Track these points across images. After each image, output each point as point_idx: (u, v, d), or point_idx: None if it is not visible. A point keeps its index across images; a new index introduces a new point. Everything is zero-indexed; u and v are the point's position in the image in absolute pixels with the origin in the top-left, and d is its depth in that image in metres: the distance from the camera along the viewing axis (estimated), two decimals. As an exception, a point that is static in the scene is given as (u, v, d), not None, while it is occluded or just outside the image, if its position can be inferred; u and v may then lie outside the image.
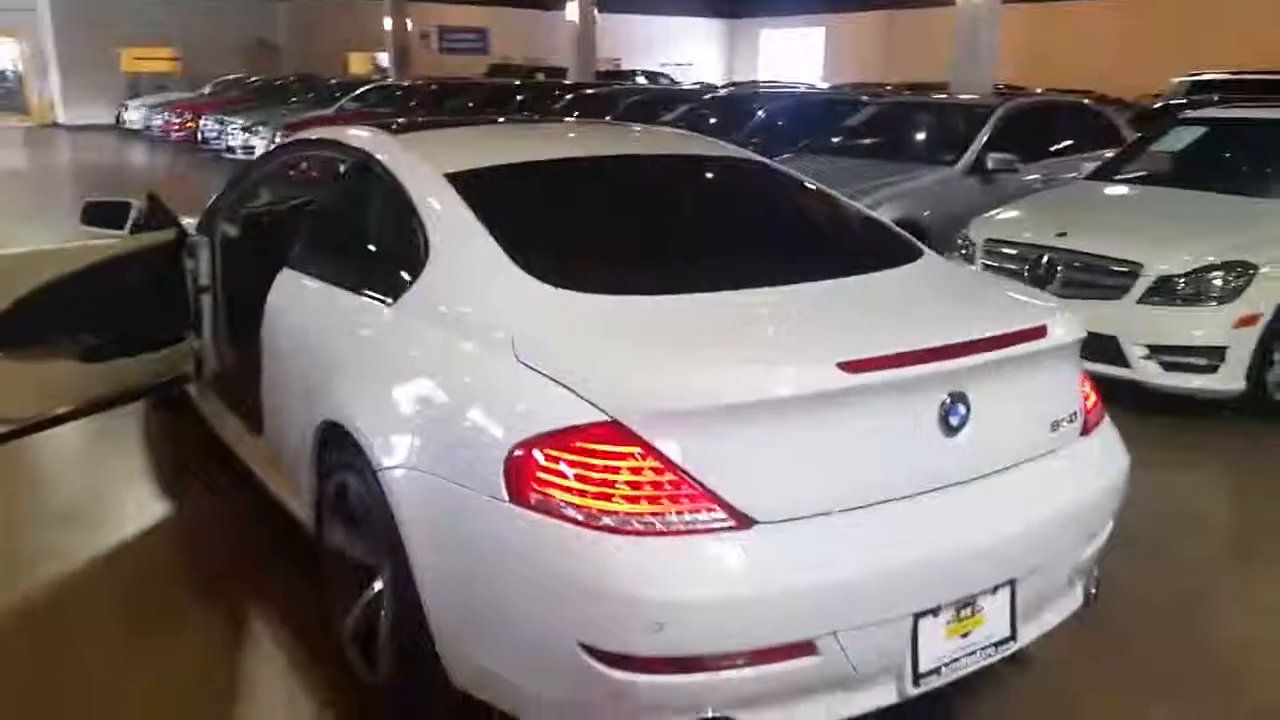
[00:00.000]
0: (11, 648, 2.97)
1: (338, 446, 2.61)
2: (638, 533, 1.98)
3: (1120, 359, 4.97)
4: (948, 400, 2.22)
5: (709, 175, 3.23)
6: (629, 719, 2.07)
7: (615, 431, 2.01)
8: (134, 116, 22.87)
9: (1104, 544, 2.65)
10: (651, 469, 2.00)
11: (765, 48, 35.12)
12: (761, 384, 2.06)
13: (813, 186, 3.31)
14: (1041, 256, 5.35)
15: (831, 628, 2.06)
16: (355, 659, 2.66)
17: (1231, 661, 3.00)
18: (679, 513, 1.99)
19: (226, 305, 4.04)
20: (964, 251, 5.85)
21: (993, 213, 5.97)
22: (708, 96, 12.14)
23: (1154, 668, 2.95)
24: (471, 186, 2.75)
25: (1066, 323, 2.53)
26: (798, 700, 2.13)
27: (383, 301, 2.69)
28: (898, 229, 3.13)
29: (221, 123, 17.16)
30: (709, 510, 2.00)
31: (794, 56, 32.99)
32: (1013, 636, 2.36)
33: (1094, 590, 2.66)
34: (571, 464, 2.01)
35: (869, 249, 2.93)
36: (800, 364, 2.11)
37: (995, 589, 2.31)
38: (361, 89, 17.10)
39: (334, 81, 19.69)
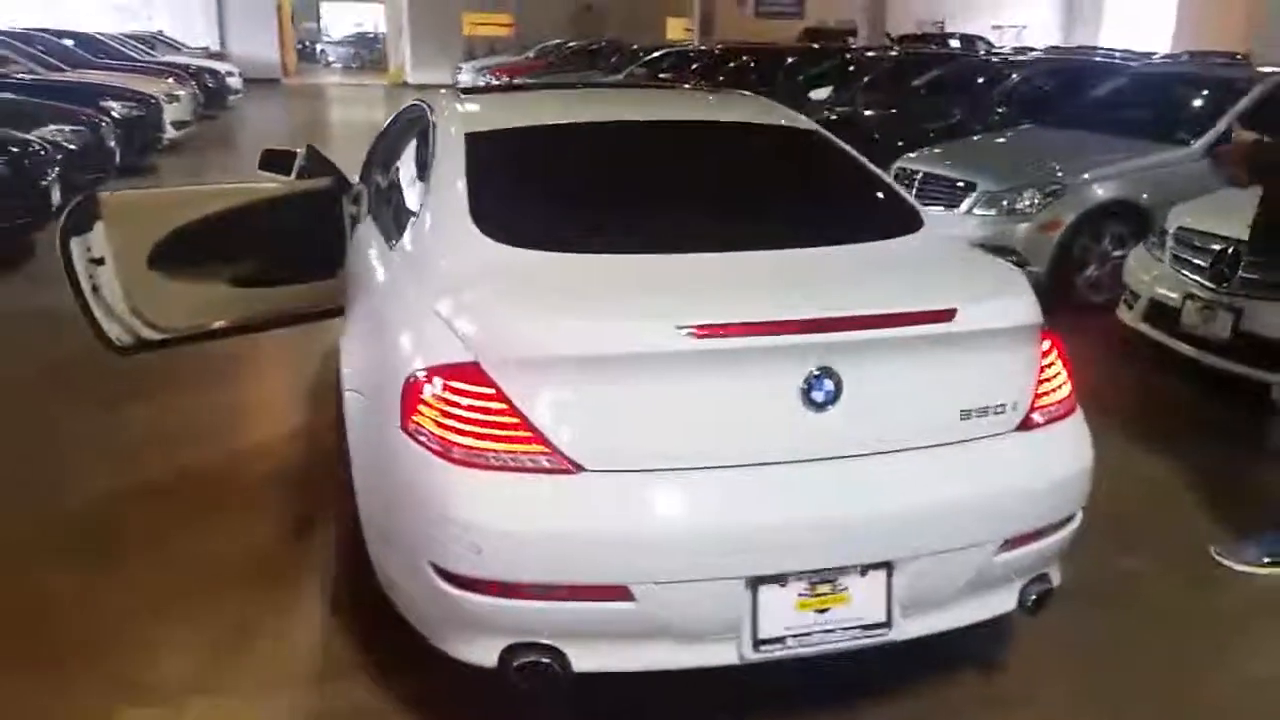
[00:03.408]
0: (149, 504, 3.71)
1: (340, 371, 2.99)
2: (475, 465, 2.18)
3: (1297, 371, 4.40)
4: (815, 374, 2.21)
5: (726, 141, 3.25)
6: (471, 634, 2.28)
7: (476, 373, 2.21)
8: (465, 78, 24.94)
9: (1050, 549, 2.51)
10: (498, 410, 2.18)
11: (1109, 10, 32.26)
12: (601, 340, 2.18)
13: (848, 158, 3.24)
14: (1227, 249, 4.79)
15: (647, 577, 2.16)
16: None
17: None
18: (511, 453, 2.17)
19: None
20: (1157, 239, 5.35)
21: (1195, 200, 5.39)
22: (996, 60, 11.53)
23: None
24: (479, 145, 3.00)
25: (996, 308, 2.40)
26: (626, 642, 2.25)
27: (390, 244, 3.02)
28: (912, 203, 3.03)
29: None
30: (541, 453, 2.16)
31: (1142, 21, 30.07)
32: (887, 624, 2.32)
33: (1036, 597, 2.53)
34: (440, 399, 2.23)
35: (861, 222, 2.88)
36: (640, 324, 2.20)
37: (864, 570, 2.29)
38: (653, 54, 17.68)
39: (636, 47, 20.47)
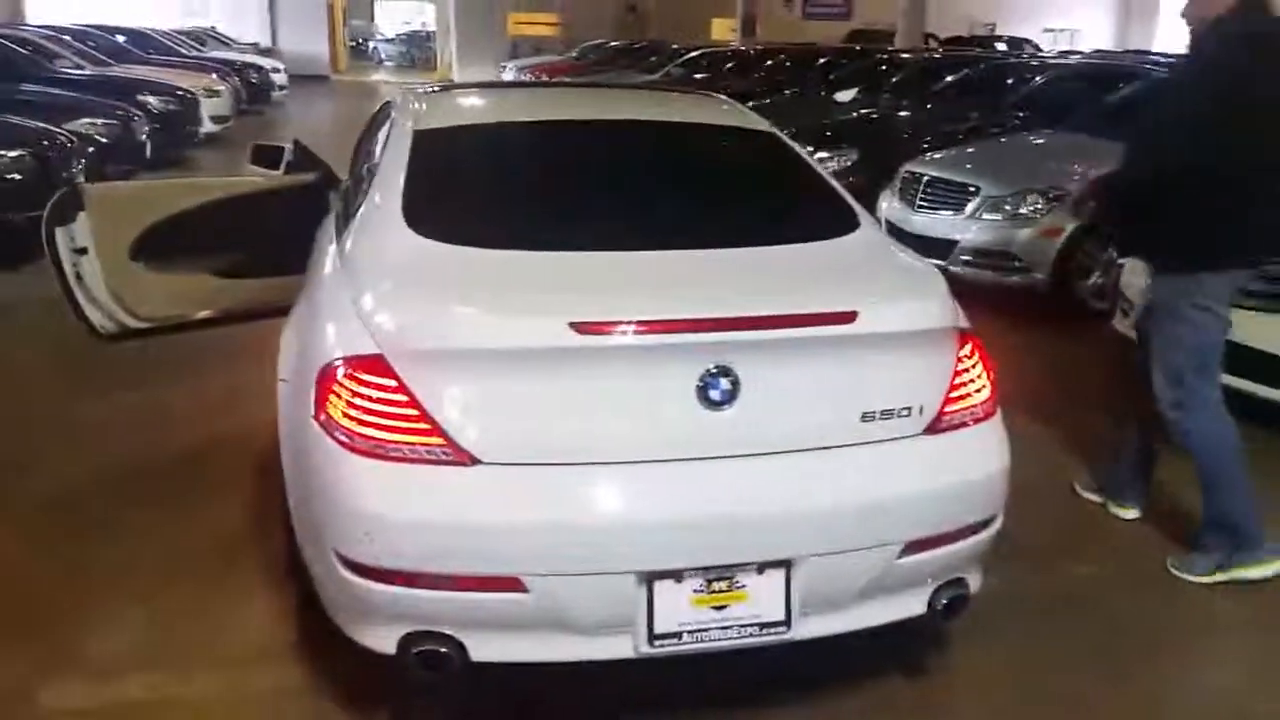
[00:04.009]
0: (123, 486, 3.82)
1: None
2: (376, 456, 2.23)
3: (1284, 382, 4.33)
4: (711, 373, 2.24)
5: (671, 141, 3.25)
6: (372, 621, 2.34)
7: (380, 365, 2.26)
8: (507, 77, 25.18)
9: (962, 553, 2.51)
10: (399, 402, 2.23)
11: (1165, 14, 31.68)
12: (494, 335, 2.22)
13: (795, 161, 3.23)
14: (1217, 257, 4.72)
15: (539, 570, 2.20)
16: None
17: None
18: (410, 444, 2.21)
19: None
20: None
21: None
22: (1031, 63, 11.37)
23: None
24: (424, 141, 3.05)
25: (901, 311, 2.41)
26: (523, 633, 2.29)
27: (337, 237, 3.08)
28: (850, 205, 3.01)
29: (564, 83, 18.50)
30: (439, 445, 2.21)
31: (1199, 24, 29.51)
32: (786, 622, 2.34)
33: (948, 601, 2.53)
34: (348, 390, 2.29)
35: (792, 223, 2.88)
36: (533, 320, 2.23)
37: (762, 568, 2.31)
38: (689, 55, 17.71)
39: (676, 47, 20.49)
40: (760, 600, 2.32)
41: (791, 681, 2.73)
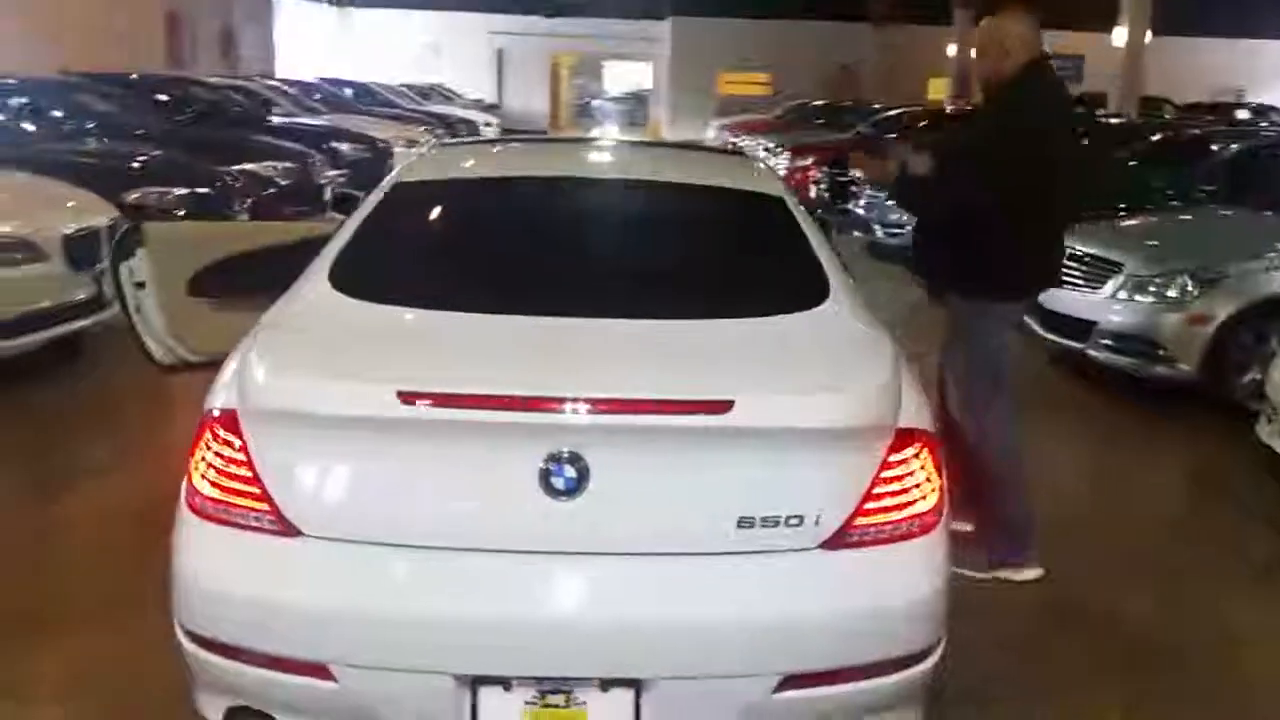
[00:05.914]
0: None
1: None
2: (207, 517, 2.12)
3: None
4: (556, 458, 1.99)
5: (656, 204, 2.99)
6: (201, 689, 2.21)
7: (232, 421, 2.15)
8: (709, 135, 25.41)
9: (874, 695, 2.12)
10: (238, 462, 2.11)
11: None
12: (321, 400, 2.05)
13: (790, 228, 2.89)
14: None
15: (345, 659, 2.01)
16: None
17: None
18: (237, 508, 2.09)
19: None
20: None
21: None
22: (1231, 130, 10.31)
23: None
24: (395, 194, 2.98)
25: (793, 404, 2.07)
26: None
27: None
28: (830, 278, 2.65)
29: (755, 141, 18.45)
30: (265, 513, 2.06)
31: None
32: (633, 749, 2.03)
33: None
34: (209, 446, 2.19)
35: (746, 296, 2.58)
36: (359, 386, 2.05)
37: (606, 686, 2.02)
38: (885, 114, 17.27)
39: (876, 106, 20.04)
40: (603, 720, 2.03)
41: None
